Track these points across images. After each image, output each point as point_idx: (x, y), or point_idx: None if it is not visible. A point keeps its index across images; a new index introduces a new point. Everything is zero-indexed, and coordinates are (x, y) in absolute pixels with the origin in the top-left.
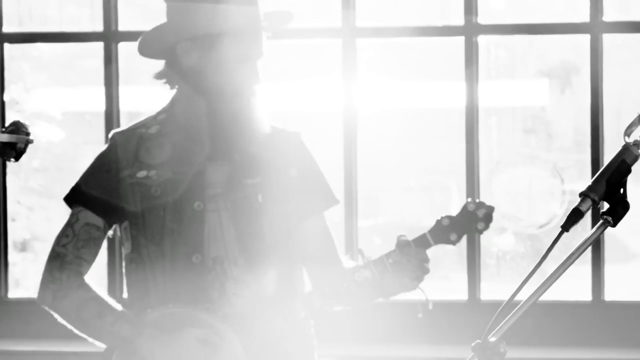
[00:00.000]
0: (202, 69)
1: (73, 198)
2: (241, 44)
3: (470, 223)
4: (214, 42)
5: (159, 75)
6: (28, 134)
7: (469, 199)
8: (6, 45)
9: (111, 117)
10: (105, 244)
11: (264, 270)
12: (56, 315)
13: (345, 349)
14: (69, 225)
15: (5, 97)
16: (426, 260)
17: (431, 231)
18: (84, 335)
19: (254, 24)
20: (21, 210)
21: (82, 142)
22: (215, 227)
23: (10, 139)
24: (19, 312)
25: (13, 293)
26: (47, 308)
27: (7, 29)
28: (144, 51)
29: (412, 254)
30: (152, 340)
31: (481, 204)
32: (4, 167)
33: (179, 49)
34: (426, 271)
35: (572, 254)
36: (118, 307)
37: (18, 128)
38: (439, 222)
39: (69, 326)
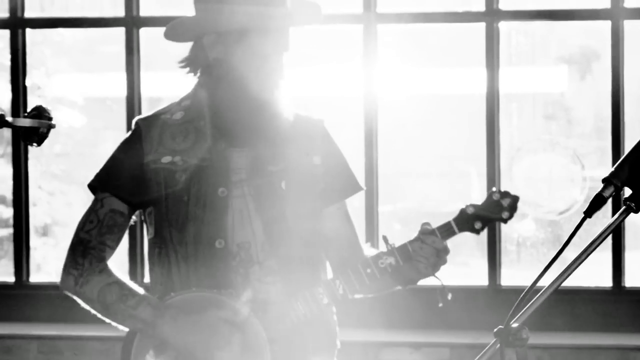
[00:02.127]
0: (227, 62)
1: (97, 184)
2: (267, 41)
3: (494, 212)
4: (240, 37)
5: (184, 63)
6: (50, 118)
7: (494, 189)
8: (28, 31)
9: (132, 102)
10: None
11: (288, 256)
12: (79, 301)
13: (365, 335)
14: (93, 211)
15: (27, 82)
16: (444, 250)
17: (456, 219)
18: (107, 320)
19: (280, 22)
20: (42, 195)
21: (103, 127)
22: (242, 213)
23: (33, 123)
24: (40, 296)
25: (34, 277)
26: (70, 294)
27: (28, 14)
28: (170, 36)
29: (429, 242)
30: (174, 321)
31: (506, 194)
32: (26, 152)
33: (205, 41)
34: (443, 261)
35: (594, 240)
36: (140, 290)
37: (40, 113)
38: (463, 210)
39: (92, 311)
